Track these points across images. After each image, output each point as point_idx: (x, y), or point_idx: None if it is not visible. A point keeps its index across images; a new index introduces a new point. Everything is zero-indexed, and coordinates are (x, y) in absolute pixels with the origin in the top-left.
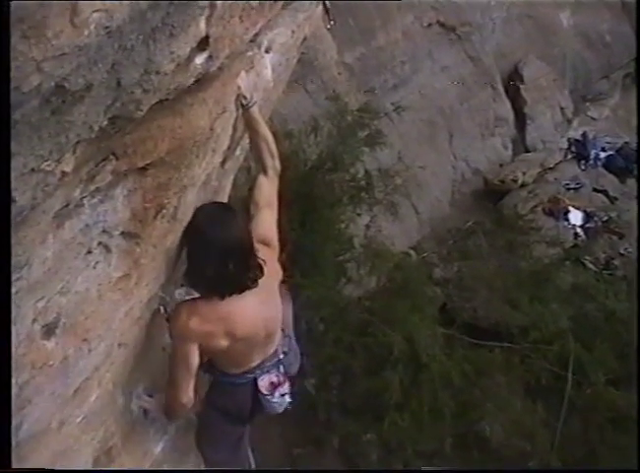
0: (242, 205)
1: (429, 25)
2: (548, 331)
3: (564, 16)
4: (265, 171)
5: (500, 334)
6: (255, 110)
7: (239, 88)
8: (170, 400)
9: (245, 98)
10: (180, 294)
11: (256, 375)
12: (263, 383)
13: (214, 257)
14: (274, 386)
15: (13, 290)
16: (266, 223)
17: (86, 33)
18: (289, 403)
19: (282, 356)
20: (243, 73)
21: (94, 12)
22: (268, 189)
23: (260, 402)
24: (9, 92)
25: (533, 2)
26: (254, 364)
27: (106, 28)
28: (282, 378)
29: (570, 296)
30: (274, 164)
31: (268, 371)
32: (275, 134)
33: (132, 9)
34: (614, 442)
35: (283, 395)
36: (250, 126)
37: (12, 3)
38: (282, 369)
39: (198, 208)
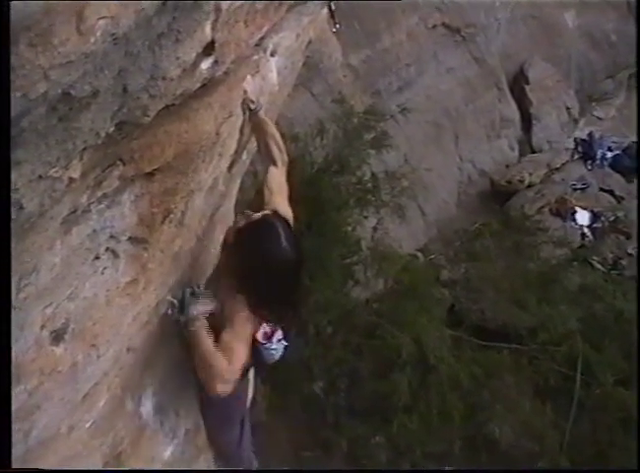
0: (248, 207)
1: (434, 26)
2: (557, 332)
3: (569, 16)
4: (275, 163)
5: (508, 335)
6: (261, 113)
7: (245, 92)
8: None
9: (252, 101)
10: (188, 291)
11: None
12: (259, 335)
13: None
14: (269, 335)
15: (21, 296)
16: (280, 206)
17: (92, 40)
18: (286, 347)
19: None
20: (249, 77)
21: (99, 19)
22: (279, 178)
23: (258, 352)
24: (9, 94)
25: (537, 3)
26: None
27: (112, 34)
28: (270, 328)
29: (578, 296)
30: (282, 156)
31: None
32: (281, 136)
33: (138, 15)
34: (624, 443)
35: (279, 340)
36: (258, 128)
37: (14, 7)
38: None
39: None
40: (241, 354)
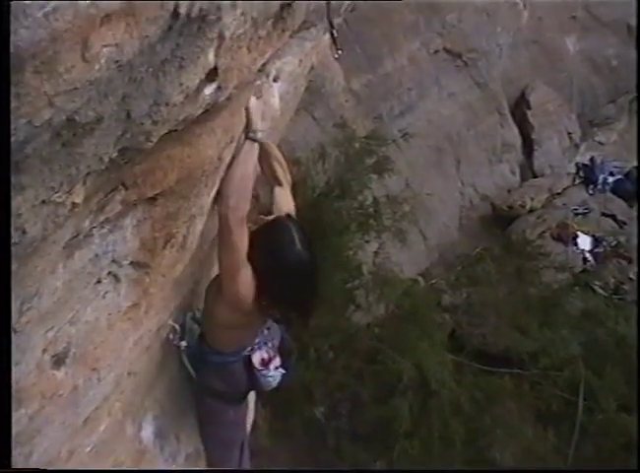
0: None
1: (436, 51)
2: (559, 357)
3: (570, 41)
4: (280, 184)
5: (510, 360)
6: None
7: (248, 112)
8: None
9: (254, 122)
10: (190, 316)
11: (248, 353)
12: (256, 360)
13: None
14: (266, 361)
15: (23, 320)
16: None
17: (97, 67)
18: (283, 375)
19: (266, 332)
20: (253, 98)
21: (104, 46)
22: (287, 197)
23: (256, 379)
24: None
25: (539, 28)
26: (251, 342)
27: (117, 61)
28: (272, 353)
29: (580, 321)
30: (286, 176)
31: (259, 348)
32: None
33: (142, 42)
34: (627, 469)
35: (277, 368)
36: (260, 150)
37: (21, 35)
38: (269, 344)
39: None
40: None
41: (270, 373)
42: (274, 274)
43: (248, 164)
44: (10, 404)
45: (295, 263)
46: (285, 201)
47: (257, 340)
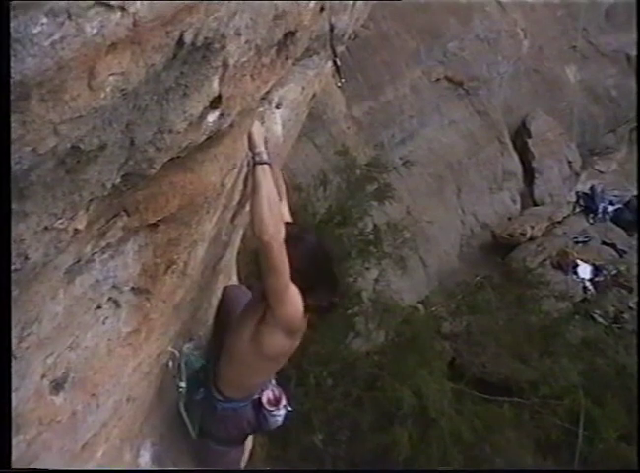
0: (253, 256)
1: (437, 80)
2: (559, 386)
3: (571, 71)
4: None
5: (510, 389)
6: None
7: (250, 136)
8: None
9: (257, 145)
10: (189, 348)
11: (258, 395)
12: (265, 400)
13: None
14: (275, 401)
15: (23, 345)
16: None
17: (102, 95)
18: (289, 411)
19: None
20: (257, 123)
21: (110, 75)
22: (285, 208)
23: (264, 419)
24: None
25: (539, 57)
26: (272, 376)
27: (122, 90)
28: (276, 391)
29: (580, 350)
30: (282, 189)
31: (265, 388)
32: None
33: (147, 70)
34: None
35: (284, 406)
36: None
37: (28, 64)
38: (273, 382)
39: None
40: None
41: (279, 412)
42: (312, 266)
43: (269, 186)
44: (10, 404)
45: (322, 247)
46: (286, 213)
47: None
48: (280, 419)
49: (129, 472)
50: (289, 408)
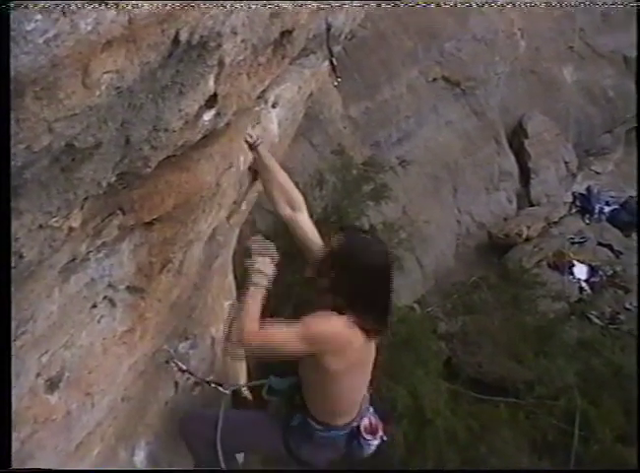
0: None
1: (434, 79)
2: (554, 386)
3: (567, 71)
4: (300, 209)
5: (506, 389)
6: (264, 149)
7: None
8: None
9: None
10: (184, 347)
11: (356, 423)
12: (363, 428)
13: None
14: (372, 429)
15: (18, 343)
16: None
17: (97, 93)
18: (383, 441)
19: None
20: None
21: (105, 73)
22: (311, 223)
23: (359, 446)
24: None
25: (536, 58)
26: (363, 392)
27: (117, 88)
28: (374, 419)
29: (576, 350)
30: (299, 196)
31: (364, 415)
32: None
33: (142, 69)
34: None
35: (381, 436)
36: (264, 166)
37: (21, 61)
38: (371, 409)
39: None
40: (279, 336)
41: (374, 442)
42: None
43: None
44: (10, 405)
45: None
46: (312, 230)
47: (363, 406)
48: (373, 448)
49: (125, 472)
50: (385, 438)
